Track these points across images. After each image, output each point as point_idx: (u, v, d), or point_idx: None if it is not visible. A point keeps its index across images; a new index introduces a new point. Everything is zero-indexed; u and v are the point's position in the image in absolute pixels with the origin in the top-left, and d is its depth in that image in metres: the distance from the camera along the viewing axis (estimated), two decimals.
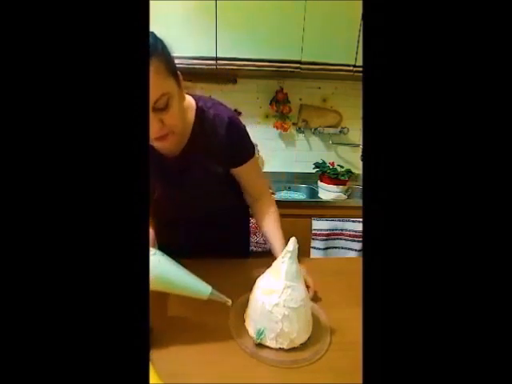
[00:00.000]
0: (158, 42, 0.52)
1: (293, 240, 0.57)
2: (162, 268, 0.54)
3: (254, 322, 0.57)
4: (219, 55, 1.47)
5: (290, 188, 1.88)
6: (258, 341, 0.55)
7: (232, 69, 1.52)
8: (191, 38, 1.43)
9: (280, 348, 0.55)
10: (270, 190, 1.78)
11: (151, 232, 0.72)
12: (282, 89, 1.78)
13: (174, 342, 0.56)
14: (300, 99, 1.85)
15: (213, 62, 1.48)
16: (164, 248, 0.63)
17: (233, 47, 1.46)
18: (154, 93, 0.51)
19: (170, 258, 0.57)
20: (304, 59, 1.51)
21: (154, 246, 0.66)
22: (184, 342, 0.56)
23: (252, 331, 0.57)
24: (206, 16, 1.41)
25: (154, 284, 0.52)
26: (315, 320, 0.61)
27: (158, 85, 0.51)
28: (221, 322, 0.60)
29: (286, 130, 1.82)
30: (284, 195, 1.82)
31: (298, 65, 1.52)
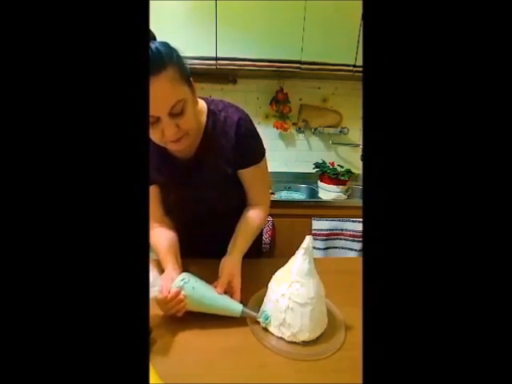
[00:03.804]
0: (173, 51, 0.55)
1: (308, 238, 0.58)
2: (197, 294, 0.60)
3: (264, 306, 0.61)
4: (219, 55, 1.47)
5: (290, 188, 1.88)
6: (264, 325, 0.59)
7: (232, 69, 1.52)
8: (191, 37, 1.43)
9: (281, 337, 0.57)
10: (270, 191, 1.78)
11: (176, 242, 0.73)
12: (282, 89, 1.78)
13: (174, 342, 0.56)
14: (300, 99, 1.85)
15: (213, 62, 1.48)
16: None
17: (233, 47, 1.46)
18: (169, 99, 0.54)
19: (200, 281, 0.62)
20: (304, 59, 1.51)
21: (179, 261, 0.69)
22: (184, 342, 0.56)
23: (260, 314, 0.60)
24: (206, 16, 1.41)
25: (189, 307, 0.59)
26: (331, 320, 0.62)
27: (173, 92, 0.54)
28: (222, 321, 0.60)
29: (286, 130, 1.82)
30: (284, 195, 1.82)
31: (298, 65, 1.52)
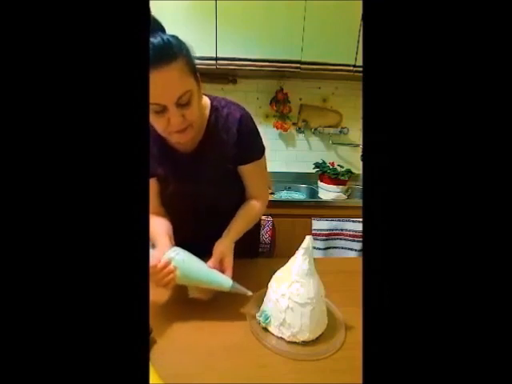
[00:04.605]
0: (182, 44, 0.58)
1: (308, 238, 0.58)
2: (187, 266, 0.60)
3: (264, 306, 0.61)
4: (219, 55, 1.47)
5: (290, 188, 1.88)
6: (263, 325, 0.59)
7: (232, 69, 1.52)
8: (191, 38, 1.42)
9: (281, 337, 0.57)
10: (270, 190, 1.78)
11: (170, 228, 0.73)
12: (282, 89, 1.78)
13: (173, 342, 0.56)
14: (300, 99, 1.85)
15: (213, 61, 1.48)
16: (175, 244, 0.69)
17: (233, 47, 1.46)
18: (178, 90, 0.56)
19: (192, 255, 0.62)
20: (304, 59, 1.51)
21: (172, 243, 0.68)
22: (184, 342, 0.56)
23: (260, 314, 0.60)
24: (206, 16, 1.41)
25: (179, 280, 0.59)
26: (331, 320, 0.62)
27: (182, 83, 0.56)
28: (221, 321, 0.60)
29: (285, 130, 1.82)
30: (284, 195, 1.82)
31: (298, 65, 1.52)
